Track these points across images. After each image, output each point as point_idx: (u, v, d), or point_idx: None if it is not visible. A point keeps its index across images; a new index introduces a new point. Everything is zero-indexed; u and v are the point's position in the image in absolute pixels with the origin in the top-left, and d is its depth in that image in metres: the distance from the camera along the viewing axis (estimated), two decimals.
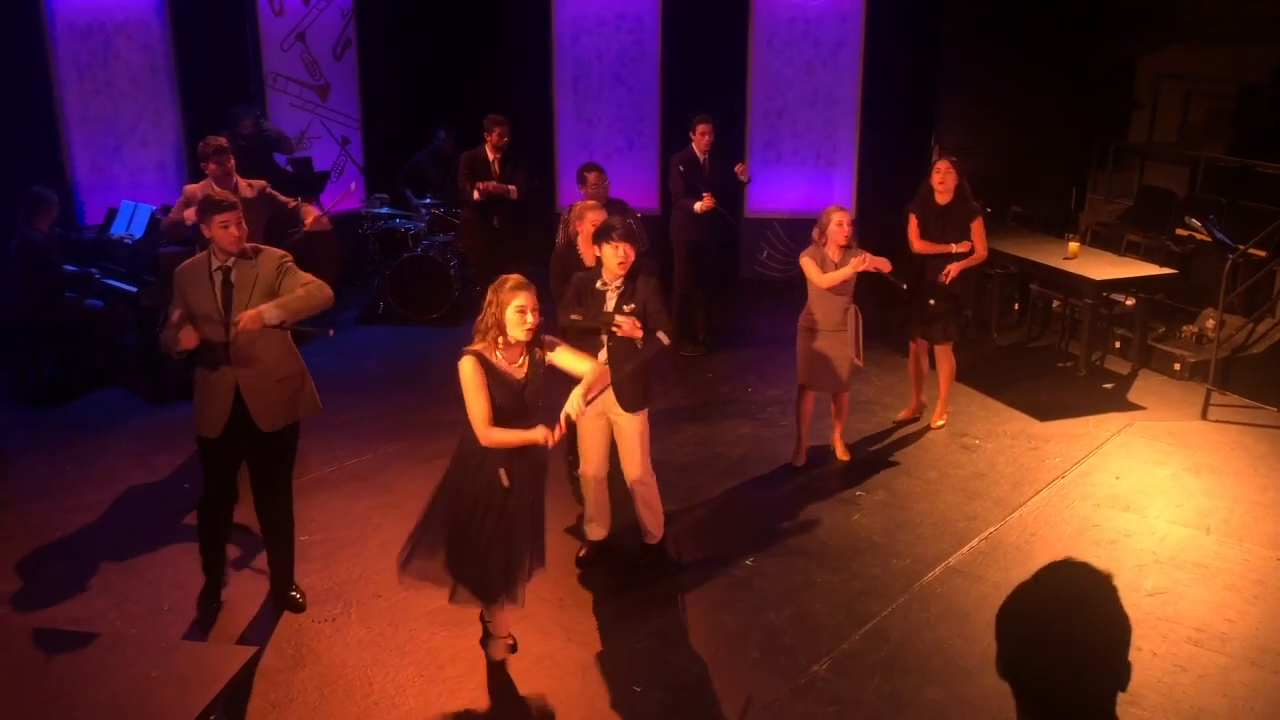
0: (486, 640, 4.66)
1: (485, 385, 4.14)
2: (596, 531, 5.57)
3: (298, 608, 5.07)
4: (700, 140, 8.42)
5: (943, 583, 5.33)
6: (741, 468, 6.68)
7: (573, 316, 5.13)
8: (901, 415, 7.39)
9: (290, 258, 4.86)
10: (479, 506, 4.24)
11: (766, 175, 10.82)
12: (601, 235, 5.10)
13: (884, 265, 6.17)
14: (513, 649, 4.68)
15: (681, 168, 8.41)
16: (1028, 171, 10.22)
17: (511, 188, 8.71)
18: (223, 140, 6.80)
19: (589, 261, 5.66)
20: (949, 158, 6.98)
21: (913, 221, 7.02)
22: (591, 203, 6.14)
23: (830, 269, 6.24)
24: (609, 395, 5.12)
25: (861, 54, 10.42)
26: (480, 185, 8.61)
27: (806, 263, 6.30)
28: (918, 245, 7.00)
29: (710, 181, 8.49)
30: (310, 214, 6.92)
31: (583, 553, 5.55)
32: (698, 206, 8.30)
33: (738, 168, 8.63)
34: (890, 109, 10.43)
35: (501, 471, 4.20)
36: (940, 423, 7.25)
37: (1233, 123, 9.47)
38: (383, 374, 8.36)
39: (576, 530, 5.70)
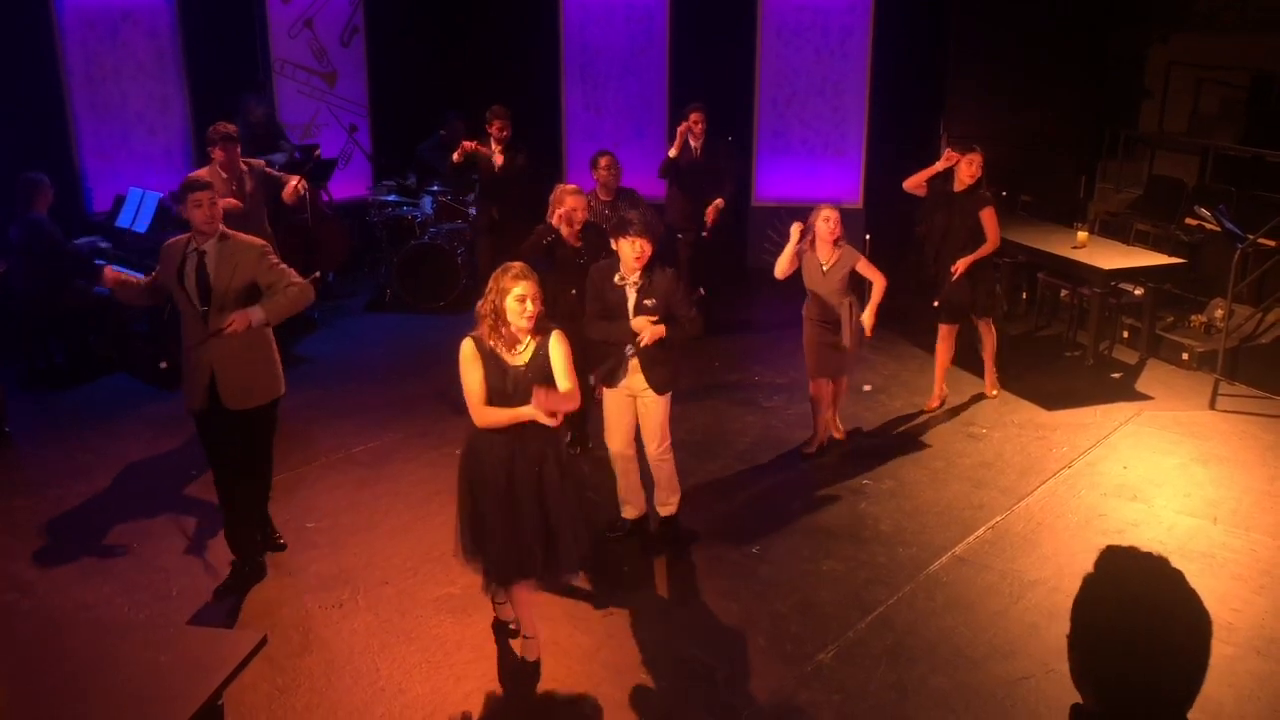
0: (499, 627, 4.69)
1: (479, 367, 4.14)
2: (630, 511, 5.62)
3: (232, 586, 5.12)
4: (693, 129, 8.40)
5: (949, 571, 5.33)
6: (748, 455, 6.68)
7: (635, 343, 5.13)
8: (929, 406, 7.35)
9: (270, 248, 4.97)
10: (487, 491, 4.25)
11: (775, 164, 10.81)
12: (619, 229, 5.09)
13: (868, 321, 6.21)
14: (514, 634, 4.70)
15: (672, 154, 8.44)
16: (1036, 160, 10.19)
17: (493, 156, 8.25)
18: (231, 127, 6.82)
19: (572, 243, 5.86)
20: (977, 150, 6.97)
21: (923, 175, 6.99)
22: (572, 187, 6.17)
23: (816, 268, 6.26)
24: (637, 377, 5.21)
25: (870, 42, 10.38)
26: (464, 147, 8.20)
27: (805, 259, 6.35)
28: (909, 182, 7.03)
29: (703, 170, 8.47)
30: (289, 182, 6.97)
31: (614, 533, 5.61)
32: (672, 151, 8.36)
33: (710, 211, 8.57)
34: (899, 97, 10.39)
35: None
36: (994, 393, 7.51)
37: (1244, 112, 9.42)
38: (390, 361, 8.36)
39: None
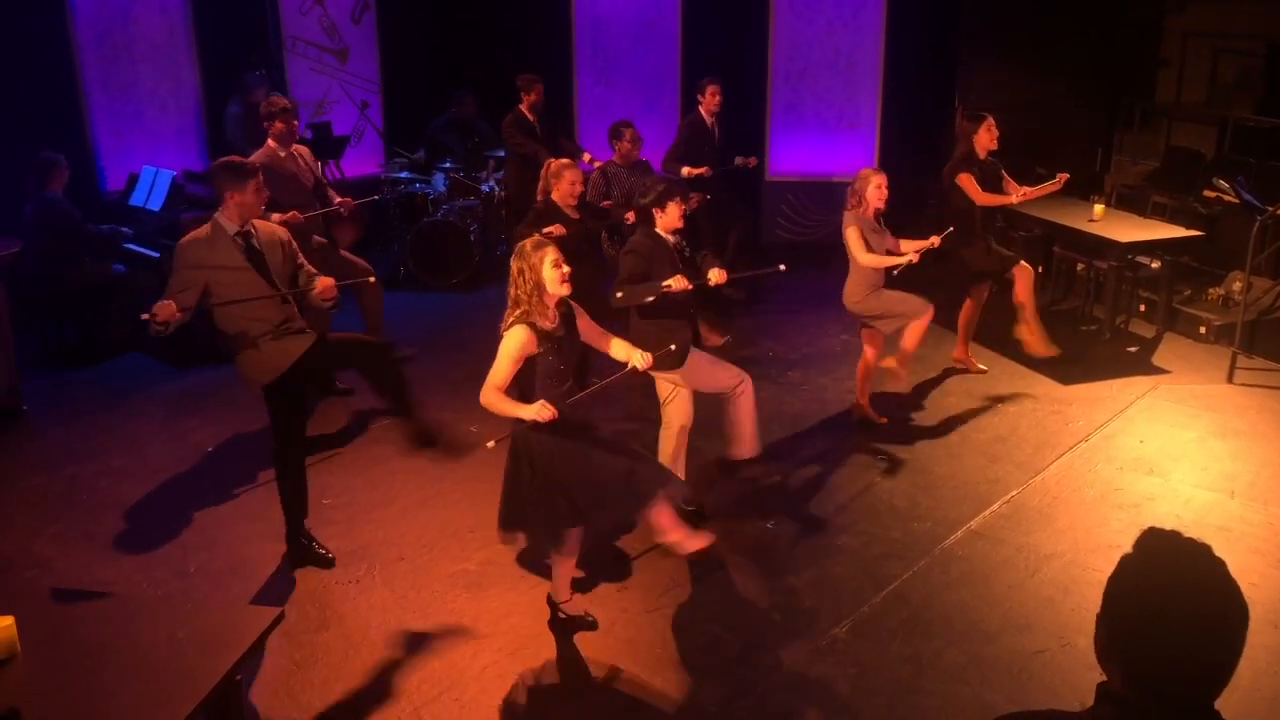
0: (554, 614, 4.66)
1: (520, 360, 4.18)
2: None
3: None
4: (708, 102, 8.33)
5: (964, 546, 5.32)
6: (762, 430, 6.64)
7: (663, 286, 5.16)
8: (976, 368, 7.45)
9: (291, 236, 5.25)
10: (539, 460, 4.27)
11: (787, 139, 10.74)
12: (667, 195, 5.30)
13: (935, 242, 6.32)
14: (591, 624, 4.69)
15: (686, 136, 8.36)
16: (1052, 132, 10.09)
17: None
18: (287, 101, 6.81)
19: (572, 217, 6.09)
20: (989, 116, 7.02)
21: (971, 180, 6.96)
22: (566, 161, 6.27)
23: (875, 235, 6.23)
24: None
25: (883, 13, 10.28)
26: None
27: (852, 235, 6.22)
28: (985, 199, 6.98)
29: (717, 146, 8.40)
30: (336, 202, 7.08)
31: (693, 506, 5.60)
32: (685, 171, 8.24)
33: (741, 160, 8.57)
34: (912, 69, 10.30)
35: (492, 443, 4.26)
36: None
37: (1262, 81, 9.31)
38: (403, 339, 8.35)
39: None
